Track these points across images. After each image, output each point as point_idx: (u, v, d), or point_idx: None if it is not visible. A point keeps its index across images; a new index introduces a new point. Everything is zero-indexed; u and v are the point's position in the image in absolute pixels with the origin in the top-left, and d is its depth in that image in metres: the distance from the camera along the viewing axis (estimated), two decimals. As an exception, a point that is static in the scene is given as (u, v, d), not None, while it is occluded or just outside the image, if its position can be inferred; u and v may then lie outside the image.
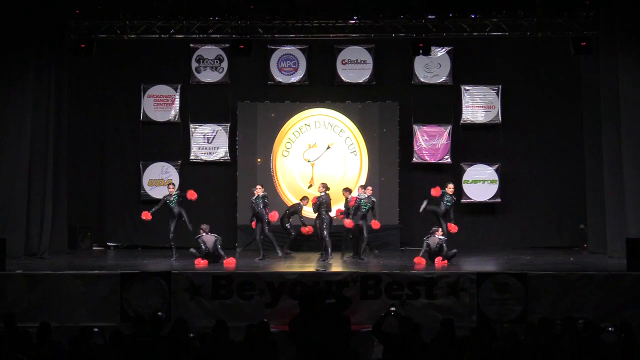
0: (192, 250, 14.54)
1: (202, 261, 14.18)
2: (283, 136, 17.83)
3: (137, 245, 17.59)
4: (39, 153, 15.60)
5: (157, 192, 17.74)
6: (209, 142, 17.97)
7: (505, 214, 17.86)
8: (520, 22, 15.98)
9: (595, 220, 15.92)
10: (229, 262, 14.30)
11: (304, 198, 16.21)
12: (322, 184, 15.46)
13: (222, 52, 17.87)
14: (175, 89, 17.98)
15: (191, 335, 8.62)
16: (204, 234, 14.50)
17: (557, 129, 17.73)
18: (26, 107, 15.37)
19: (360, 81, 17.95)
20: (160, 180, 17.77)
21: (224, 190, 17.76)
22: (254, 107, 17.94)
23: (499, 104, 17.75)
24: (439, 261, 14.12)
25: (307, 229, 15.68)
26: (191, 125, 17.94)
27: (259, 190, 15.16)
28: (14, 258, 14.05)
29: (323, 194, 15.16)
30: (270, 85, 18.03)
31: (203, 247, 14.35)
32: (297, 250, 16.29)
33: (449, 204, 15.21)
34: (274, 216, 15.30)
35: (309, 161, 17.79)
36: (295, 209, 16.11)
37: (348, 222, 14.94)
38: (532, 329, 9.04)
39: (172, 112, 17.96)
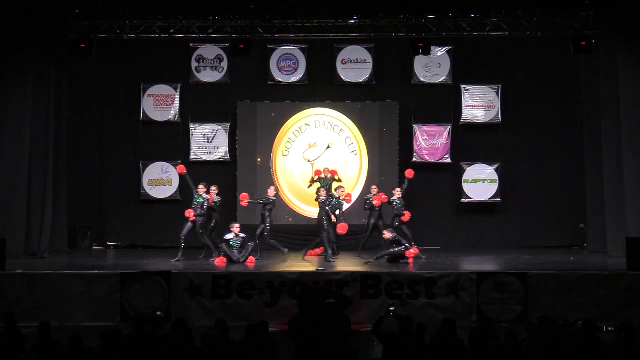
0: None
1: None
2: (283, 136, 17.84)
3: (137, 245, 17.61)
4: (39, 153, 15.59)
5: (157, 192, 17.82)
6: (209, 142, 17.98)
7: (505, 213, 17.85)
8: (520, 22, 15.97)
9: (595, 220, 15.91)
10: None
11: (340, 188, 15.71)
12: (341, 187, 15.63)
13: (222, 52, 17.88)
14: (175, 89, 17.99)
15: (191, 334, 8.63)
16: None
17: (557, 128, 17.73)
18: (26, 107, 15.37)
19: (360, 81, 17.96)
20: (160, 180, 17.79)
21: (224, 190, 17.70)
22: (254, 106, 17.95)
23: (499, 103, 17.76)
24: None
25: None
26: (191, 125, 17.96)
27: (214, 191, 15.14)
28: (14, 258, 14.04)
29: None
30: (270, 84, 18.05)
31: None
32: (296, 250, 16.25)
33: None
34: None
35: (309, 161, 17.79)
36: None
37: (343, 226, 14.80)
38: (533, 328, 9.05)
39: (172, 112, 17.97)
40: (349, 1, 15.97)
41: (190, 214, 14.68)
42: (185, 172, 15.24)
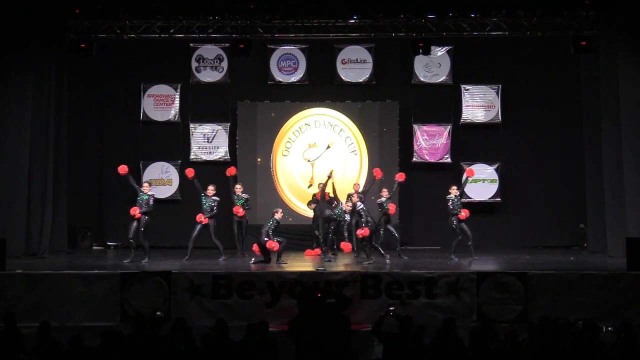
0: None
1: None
2: (283, 136, 17.84)
3: (137, 245, 17.57)
4: (39, 153, 15.59)
5: (157, 192, 17.74)
6: (209, 142, 17.99)
7: (505, 213, 17.85)
8: (520, 22, 15.97)
9: (595, 220, 15.91)
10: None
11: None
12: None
13: (222, 52, 17.89)
14: (175, 89, 17.99)
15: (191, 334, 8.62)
16: None
17: (557, 128, 17.74)
18: (26, 107, 15.37)
19: (360, 80, 17.96)
20: (160, 180, 17.80)
21: (224, 190, 17.73)
22: (254, 106, 17.95)
23: (499, 103, 17.78)
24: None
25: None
26: (191, 125, 17.96)
27: (238, 190, 15.29)
28: (14, 258, 14.04)
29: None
30: (270, 84, 18.05)
31: None
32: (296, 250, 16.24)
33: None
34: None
35: (309, 161, 17.80)
36: None
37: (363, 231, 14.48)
38: (533, 328, 9.05)
39: (172, 112, 17.98)
40: (349, 1, 15.98)
41: (135, 211, 14.44)
42: (126, 171, 14.82)
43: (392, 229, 15.31)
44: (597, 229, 15.79)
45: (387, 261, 14.40)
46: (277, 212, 14.50)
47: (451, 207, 14.95)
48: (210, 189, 15.05)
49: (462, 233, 14.79)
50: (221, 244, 14.97)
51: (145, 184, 14.84)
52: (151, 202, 14.60)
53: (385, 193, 15.32)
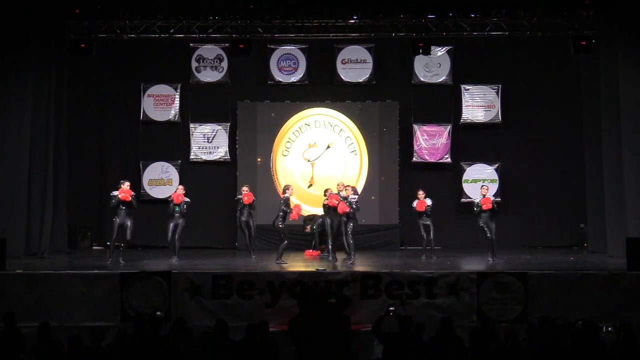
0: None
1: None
2: (283, 136, 17.85)
3: (137, 245, 17.58)
4: (39, 153, 15.59)
5: (157, 192, 17.83)
6: (209, 142, 17.99)
7: (505, 213, 17.79)
8: (520, 22, 15.98)
9: (595, 220, 15.91)
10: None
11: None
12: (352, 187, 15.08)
13: (222, 52, 17.90)
14: (175, 89, 18.00)
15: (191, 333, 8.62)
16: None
17: (557, 128, 17.75)
18: (26, 107, 15.38)
19: (360, 80, 17.97)
20: (160, 180, 17.80)
21: (224, 190, 17.79)
22: (254, 106, 17.96)
23: (499, 103, 17.79)
24: None
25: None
26: (191, 125, 17.97)
27: (245, 189, 15.37)
28: (14, 258, 14.03)
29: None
30: (270, 84, 18.06)
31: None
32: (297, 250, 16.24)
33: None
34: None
35: (309, 161, 17.80)
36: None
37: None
38: (533, 328, 9.05)
39: (172, 112, 17.98)
40: (349, 1, 15.97)
41: (125, 192, 14.16)
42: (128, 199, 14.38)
43: (426, 226, 15.31)
44: (597, 229, 15.79)
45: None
46: (287, 190, 14.40)
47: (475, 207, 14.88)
48: (180, 189, 15.01)
49: (489, 232, 14.75)
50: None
51: (126, 185, 14.35)
52: (134, 201, 14.39)
53: (421, 195, 15.31)
